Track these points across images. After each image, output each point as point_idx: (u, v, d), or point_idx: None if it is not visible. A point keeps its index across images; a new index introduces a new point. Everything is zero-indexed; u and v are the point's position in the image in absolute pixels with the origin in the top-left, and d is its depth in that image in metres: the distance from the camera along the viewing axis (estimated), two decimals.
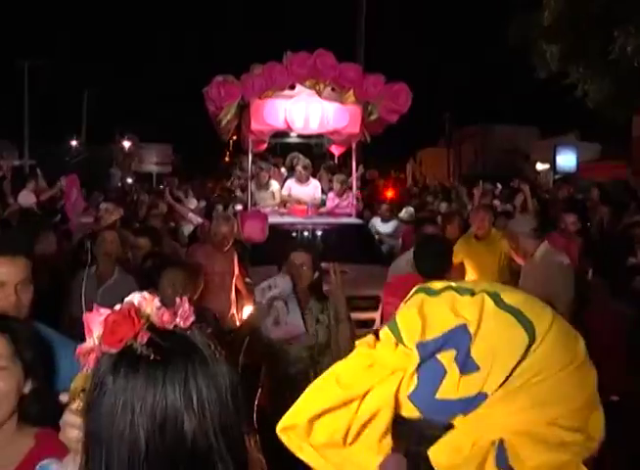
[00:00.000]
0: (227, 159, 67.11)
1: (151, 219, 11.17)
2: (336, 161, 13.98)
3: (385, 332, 1.48)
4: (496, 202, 15.13)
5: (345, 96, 11.01)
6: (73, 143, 45.26)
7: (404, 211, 13.76)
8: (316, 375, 1.59)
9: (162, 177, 37.82)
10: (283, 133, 12.96)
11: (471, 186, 18.49)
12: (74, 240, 9.08)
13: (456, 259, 6.97)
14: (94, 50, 60.17)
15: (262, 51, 13.67)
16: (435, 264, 5.25)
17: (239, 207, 13.13)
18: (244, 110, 11.27)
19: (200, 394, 1.46)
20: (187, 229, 12.24)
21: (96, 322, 1.50)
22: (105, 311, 1.51)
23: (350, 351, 1.54)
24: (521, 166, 38.49)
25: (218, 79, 10.70)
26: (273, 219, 10.86)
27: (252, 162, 12.24)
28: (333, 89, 11.05)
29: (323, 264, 5.57)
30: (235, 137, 15.35)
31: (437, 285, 1.52)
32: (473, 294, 1.46)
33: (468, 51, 43.21)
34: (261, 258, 9.38)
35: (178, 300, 1.56)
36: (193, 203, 14.90)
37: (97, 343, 1.49)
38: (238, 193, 17.55)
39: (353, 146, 12.09)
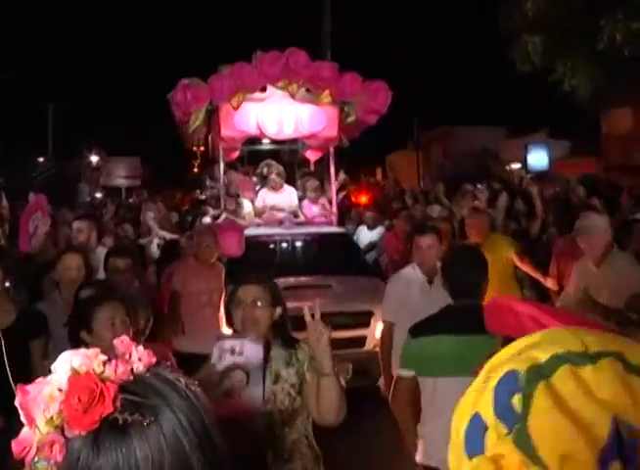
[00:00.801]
0: (196, 169, 66.46)
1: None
2: (312, 167, 13.04)
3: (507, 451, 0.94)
4: (477, 203, 14.27)
5: (321, 97, 10.15)
6: (40, 159, 44.03)
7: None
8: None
9: (132, 190, 37.05)
10: (254, 140, 12.10)
11: (449, 188, 17.79)
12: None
13: None
14: (58, 63, 58.74)
15: (229, 52, 12.70)
16: (478, 282, 4.23)
17: (207, 219, 12.15)
18: (212, 115, 10.37)
19: (193, 427, 1.34)
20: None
21: (38, 405, 1.26)
22: (39, 390, 1.27)
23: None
24: (490, 166, 37.81)
25: (184, 82, 9.78)
26: (248, 231, 9.94)
27: (224, 172, 11.33)
28: (307, 90, 10.21)
29: (296, 305, 3.79)
30: (202, 148, 14.46)
31: (540, 357, 0.99)
32: (592, 359, 0.97)
33: (433, 52, 42.30)
34: (237, 275, 8.53)
35: (117, 342, 1.38)
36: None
37: (52, 430, 1.25)
38: (210, 204, 16.76)
39: (331, 150, 11.17)
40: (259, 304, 3.66)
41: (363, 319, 8.26)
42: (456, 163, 41.93)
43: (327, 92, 10.06)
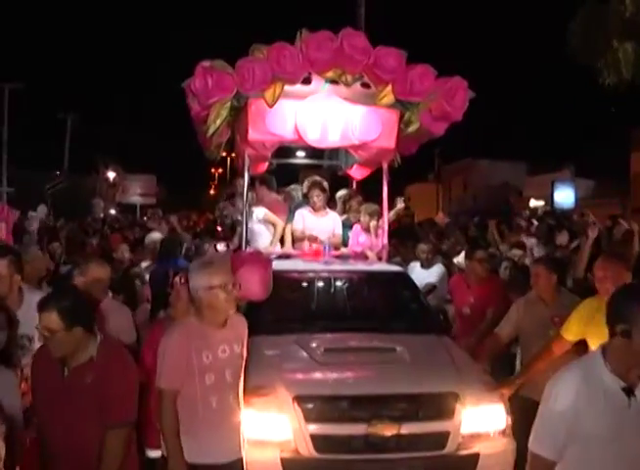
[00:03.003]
0: (212, 191, 64.22)
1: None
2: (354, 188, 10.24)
3: None
4: (532, 240, 11.49)
5: (381, 95, 7.42)
6: (56, 172, 41.80)
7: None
8: None
9: (146, 208, 35.29)
10: (287, 151, 9.37)
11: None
12: None
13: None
14: (76, 76, 56.53)
15: (263, 32, 9.81)
16: None
17: (221, 246, 9.28)
18: (239, 114, 7.65)
19: None
20: None
21: None
22: None
23: None
24: (513, 202, 35.38)
25: (205, 65, 7.05)
26: (277, 265, 7.18)
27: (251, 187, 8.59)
28: (363, 85, 7.47)
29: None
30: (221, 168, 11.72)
31: None
32: None
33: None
34: (260, 324, 6.03)
35: None
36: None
37: None
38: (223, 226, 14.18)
39: (384, 167, 8.39)
40: None
41: (445, 406, 5.49)
42: (477, 197, 39.82)
43: (389, 88, 7.34)
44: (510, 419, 5.61)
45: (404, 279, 7.85)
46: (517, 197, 36.63)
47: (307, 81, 7.34)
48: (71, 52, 60.08)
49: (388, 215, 8.47)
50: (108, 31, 66.61)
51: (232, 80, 7.01)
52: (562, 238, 11.06)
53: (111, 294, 6.45)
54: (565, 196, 33.52)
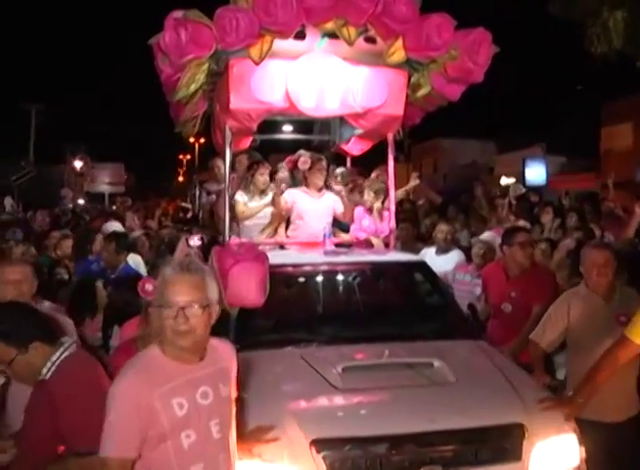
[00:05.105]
0: (181, 178, 62.11)
1: None
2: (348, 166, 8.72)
3: None
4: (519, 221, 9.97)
5: (390, 51, 5.96)
6: (21, 163, 39.82)
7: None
8: None
9: (115, 197, 33.94)
10: (273, 125, 7.92)
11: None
12: None
13: None
14: (41, 64, 54.16)
15: None
16: None
17: (195, 240, 7.49)
18: (219, 80, 6.14)
19: None
20: None
21: None
22: None
23: None
24: (484, 180, 34.24)
25: (177, 16, 5.53)
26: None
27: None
28: (367, 39, 5.99)
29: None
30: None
31: None
32: None
33: None
34: (254, 335, 4.97)
35: None
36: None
37: None
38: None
39: (390, 139, 6.91)
40: None
41: (510, 442, 4.01)
42: (447, 176, 38.68)
43: (400, 42, 5.88)
44: (584, 451, 4.21)
45: (426, 270, 6.25)
46: (487, 175, 35.49)
47: (301, 36, 5.86)
48: (33, 40, 57.61)
49: (395, 194, 6.98)
50: (69, 17, 64.16)
51: (210, 34, 5.52)
52: (546, 217, 9.74)
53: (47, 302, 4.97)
54: (536, 173, 32.85)
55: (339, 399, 4.35)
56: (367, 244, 6.79)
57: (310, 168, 7.15)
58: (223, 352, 3.30)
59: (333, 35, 5.88)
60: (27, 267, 4.79)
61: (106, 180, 42.84)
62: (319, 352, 4.96)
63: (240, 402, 3.79)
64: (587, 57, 14.36)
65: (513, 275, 6.28)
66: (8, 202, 19.10)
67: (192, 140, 43.35)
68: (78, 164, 42.42)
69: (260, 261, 5.12)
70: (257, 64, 5.70)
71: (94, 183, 42.52)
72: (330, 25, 5.69)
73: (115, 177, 43.24)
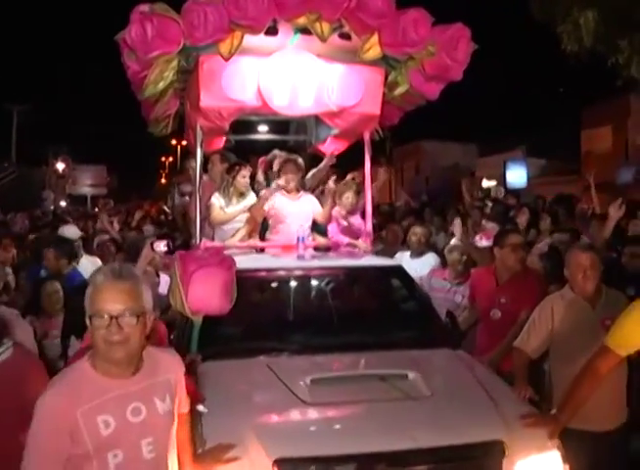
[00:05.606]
0: (163, 180, 61.60)
1: None
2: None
3: None
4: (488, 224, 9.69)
5: (365, 47, 5.69)
6: (4, 164, 39.34)
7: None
8: None
9: (97, 199, 33.84)
10: (248, 125, 7.63)
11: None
12: None
13: None
14: (24, 65, 53.62)
15: None
16: None
17: (161, 246, 6.84)
18: (189, 78, 5.86)
19: None
20: None
21: None
22: None
23: None
24: (465, 183, 34.08)
25: (143, 10, 5.23)
26: (238, 263, 5.36)
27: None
28: (342, 36, 5.70)
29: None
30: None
31: None
32: None
33: None
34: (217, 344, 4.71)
35: None
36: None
37: None
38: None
39: (366, 139, 6.61)
40: None
41: (489, 461, 3.72)
42: (429, 179, 38.52)
43: (375, 38, 5.61)
44: (568, 468, 3.93)
45: (403, 276, 5.95)
46: (469, 178, 35.43)
47: (273, 32, 5.56)
48: (17, 41, 57.09)
49: (371, 194, 6.69)
50: (52, 17, 63.60)
51: (178, 28, 5.22)
52: (522, 218, 9.49)
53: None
54: (517, 175, 32.86)
55: (305, 415, 4.03)
56: (350, 247, 6.48)
57: (280, 169, 6.86)
58: (166, 363, 3.02)
59: (306, 31, 5.60)
60: None
61: (88, 182, 42.87)
62: (288, 362, 4.66)
63: (196, 417, 3.51)
64: (559, 56, 14.26)
65: (503, 280, 5.95)
66: None
67: (174, 142, 42.99)
68: (60, 165, 42.30)
69: (225, 267, 4.82)
70: (227, 60, 5.42)
71: (76, 185, 42.76)
72: (302, 20, 5.40)
73: (98, 179, 43.32)
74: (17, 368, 3.40)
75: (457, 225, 7.46)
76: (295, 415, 4.03)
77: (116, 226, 12.00)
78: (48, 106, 48.67)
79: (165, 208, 20.35)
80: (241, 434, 3.63)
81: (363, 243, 6.29)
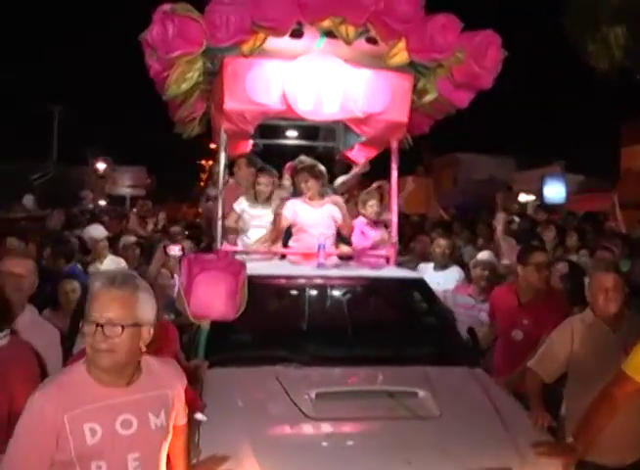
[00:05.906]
0: (202, 184, 61.73)
1: None
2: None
3: None
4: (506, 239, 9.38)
5: (391, 53, 5.53)
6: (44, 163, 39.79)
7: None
8: None
9: (136, 200, 34.00)
10: (272, 129, 7.49)
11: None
12: None
13: None
14: (67, 66, 54.21)
15: None
16: None
17: (176, 250, 6.61)
18: (213, 79, 5.78)
19: None
20: None
21: None
22: None
23: None
24: (501, 197, 33.61)
25: (165, 10, 5.13)
26: (253, 268, 5.21)
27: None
28: (369, 40, 5.55)
29: None
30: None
31: None
32: None
33: None
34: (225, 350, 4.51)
35: None
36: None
37: None
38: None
39: (393, 147, 6.35)
40: None
41: None
42: (465, 191, 37.99)
43: (402, 44, 5.45)
44: None
45: (424, 289, 5.73)
46: (505, 191, 34.96)
47: (298, 35, 5.44)
48: (60, 42, 57.79)
49: (397, 204, 6.47)
50: (95, 22, 64.26)
51: (199, 29, 5.13)
52: (548, 234, 9.20)
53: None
54: (555, 191, 32.00)
55: (306, 430, 3.82)
56: (376, 256, 6.28)
57: (295, 175, 6.71)
58: (166, 376, 2.89)
59: (333, 35, 5.47)
60: (31, 263, 4.51)
61: (127, 183, 42.93)
62: (296, 373, 4.47)
63: (194, 425, 3.37)
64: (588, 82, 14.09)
65: (526, 300, 5.63)
66: (29, 199, 18.84)
67: (213, 146, 43.07)
68: (101, 166, 42.52)
69: (232, 272, 4.68)
70: (247, 57, 5.29)
71: (115, 186, 42.70)
72: (327, 23, 5.27)
73: (137, 180, 43.33)
74: (6, 360, 3.29)
75: (500, 219, 7.40)
76: (294, 430, 3.85)
77: (150, 227, 11.92)
78: (90, 106, 49.13)
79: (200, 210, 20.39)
80: (236, 446, 3.47)
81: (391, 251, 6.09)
